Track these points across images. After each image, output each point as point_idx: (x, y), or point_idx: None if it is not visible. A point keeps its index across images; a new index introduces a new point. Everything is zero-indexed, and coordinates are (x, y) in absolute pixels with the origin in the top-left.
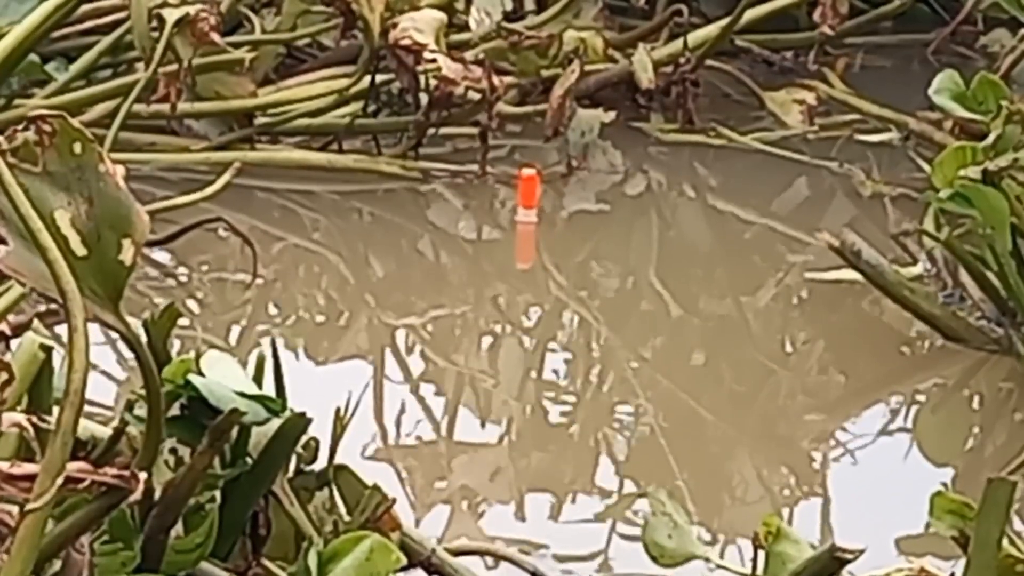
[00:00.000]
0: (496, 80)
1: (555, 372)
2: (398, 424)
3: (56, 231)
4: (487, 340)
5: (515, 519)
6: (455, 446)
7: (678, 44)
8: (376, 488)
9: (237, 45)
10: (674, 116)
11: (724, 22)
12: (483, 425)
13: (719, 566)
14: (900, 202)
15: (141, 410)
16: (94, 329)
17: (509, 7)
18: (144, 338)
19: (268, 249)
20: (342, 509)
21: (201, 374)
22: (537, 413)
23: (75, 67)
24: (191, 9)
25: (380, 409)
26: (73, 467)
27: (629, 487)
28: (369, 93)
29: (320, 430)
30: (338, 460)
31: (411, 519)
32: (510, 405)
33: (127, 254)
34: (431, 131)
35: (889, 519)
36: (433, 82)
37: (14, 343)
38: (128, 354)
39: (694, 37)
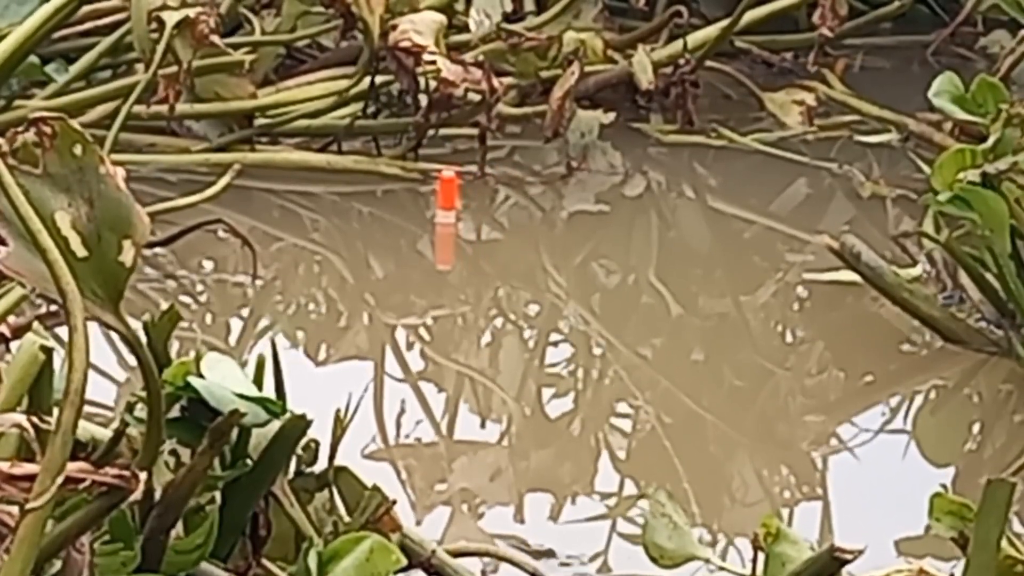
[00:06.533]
0: (496, 81)
1: (555, 372)
2: (398, 424)
3: (57, 232)
4: (487, 341)
5: (515, 520)
6: (455, 446)
7: (678, 45)
8: (376, 489)
9: (237, 46)
10: (674, 117)
11: (724, 23)
12: (483, 425)
13: (719, 567)
14: (899, 203)
15: (141, 411)
16: (94, 330)
17: (509, 8)
18: (144, 339)
19: (268, 250)
20: (342, 510)
21: (201, 376)
22: (537, 413)
23: (75, 68)
24: (191, 11)
25: (380, 409)
26: (73, 467)
27: (629, 487)
28: (369, 94)
29: (320, 431)
30: (338, 460)
31: (411, 519)
32: (510, 405)
33: (127, 255)
34: (431, 132)
35: (888, 520)
36: (433, 83)
37: (14, 344)
38: (129, 355)
39: (694, 38)
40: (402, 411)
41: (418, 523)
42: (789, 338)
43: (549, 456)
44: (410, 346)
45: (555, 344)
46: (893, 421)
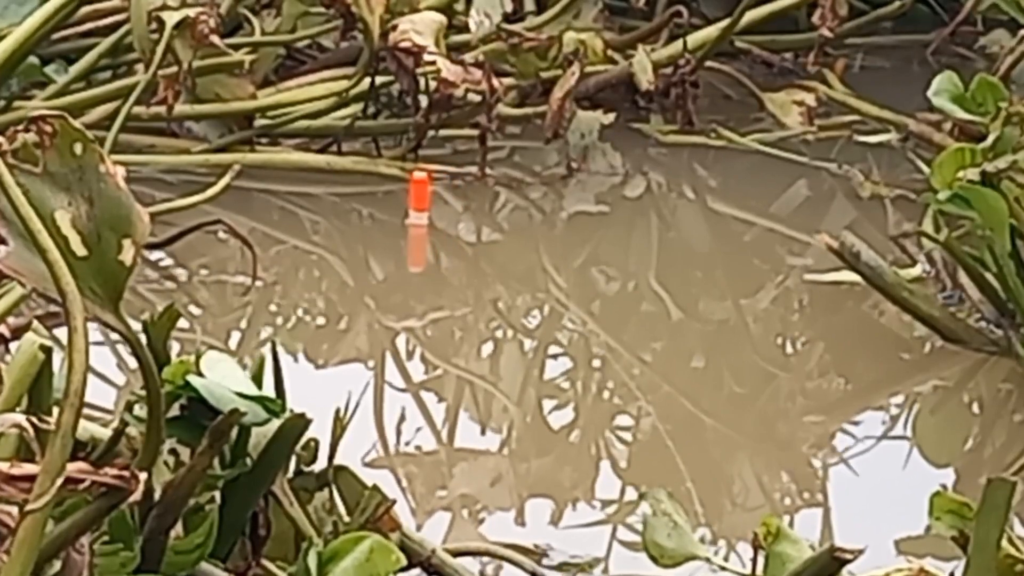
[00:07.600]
0: (496, 82)
1: (555, 375)
2: (398, 429)
3: (56, 232)
4: (487, 342)
5: (515, 524)
6: (455, 451)
7: (678, 45)
8: (376, 489)
9: (237, 47)
10: (674, 117)
11: (724, 23)
12: (483, 429)
13: (719, 567)
14: (899, 203)
15: (141, 411)
16: (94, 330)
17: (509, 9)
18: (144, 339)
19: (268, 251)
20: (342, 510)
21: (201, 375)
22: (537, 416)
23: (75, 69)
24: (191, 11)
25: (380, 413)
26: (73, 468)
27: (630, 491)
28: (369, 95)
29: (320, 432)
30: (338, 464)
31: (412, 524)
32: (510, 408)
33: (127, 254)
34: (431, 133)
35: (889, 519)
36: (433, 84)
37: (14, 344)
38: (128, 356)
39: (694, 38)
40: (402, 415)
41: (418, 528)
42: (789, 340)
43: (549, 461)
44: (410, 348)
45: (555, 346)
46: (893, 421)
